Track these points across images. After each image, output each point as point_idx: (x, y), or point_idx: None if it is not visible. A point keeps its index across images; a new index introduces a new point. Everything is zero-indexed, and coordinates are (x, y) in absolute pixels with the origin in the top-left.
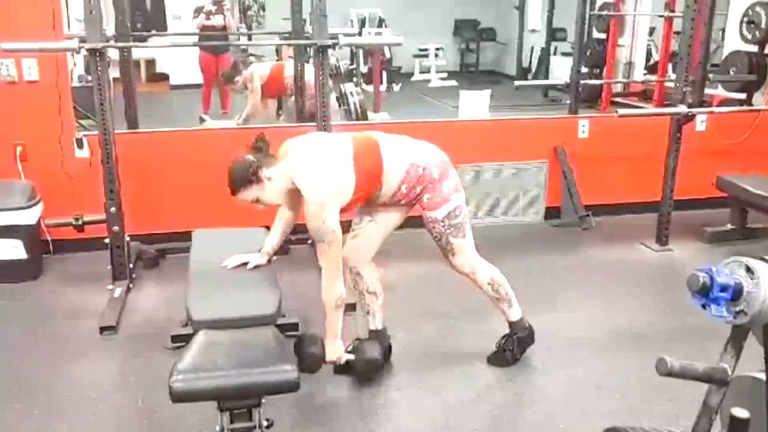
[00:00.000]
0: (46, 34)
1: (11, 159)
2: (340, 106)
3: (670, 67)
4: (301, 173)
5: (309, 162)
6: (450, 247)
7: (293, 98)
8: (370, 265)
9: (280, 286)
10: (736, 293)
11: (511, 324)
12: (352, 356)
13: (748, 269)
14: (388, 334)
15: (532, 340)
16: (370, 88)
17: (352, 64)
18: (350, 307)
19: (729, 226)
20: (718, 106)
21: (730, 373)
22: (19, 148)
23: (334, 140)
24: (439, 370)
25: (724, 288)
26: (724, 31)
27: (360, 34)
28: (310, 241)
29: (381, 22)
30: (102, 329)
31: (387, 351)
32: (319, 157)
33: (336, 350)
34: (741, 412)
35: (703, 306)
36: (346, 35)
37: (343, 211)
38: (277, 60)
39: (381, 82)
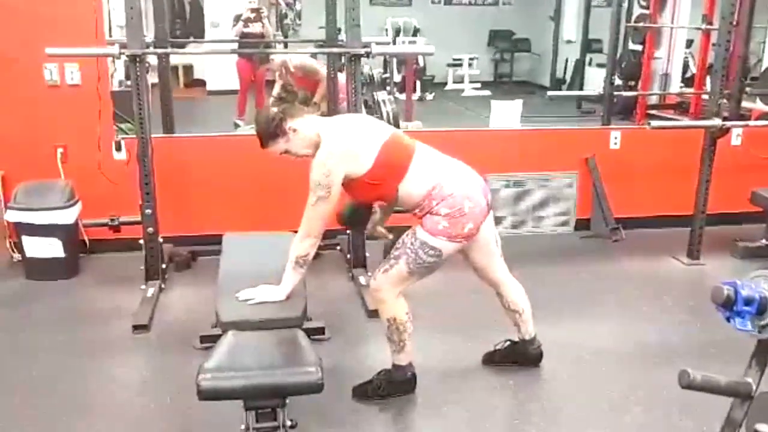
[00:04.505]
0: (89, 40)
1: (52, 160)
2: (372, 114)
3: (708, 79)
4: (328, 127)
5: (339, 122)
6: (391, 264)
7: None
8: (505, 284)
9: (306, 290)
10: (761, 307)
11: (393, 365)
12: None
13: None
14: (537, 343)
15: (408, 390)
16: (403, 96)
17: (385, 72)
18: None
19: (763, 242)
20: (756, 120)
21: (754, 387)
22: (60, 150)
23: (377, 123)
24: (461, 379)
25: (748, 301)
26: (765, 44)
27: (394, 42)
28: (339, 248)
29: (416, 32)
30: (134, 328)
31: (537, 358)
32: (351, 123)
33: (275, 294)
34: (766, 429)
35: (728, 319)
36: (378, 44)
37: (362, 193)
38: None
39: (414, 91)
